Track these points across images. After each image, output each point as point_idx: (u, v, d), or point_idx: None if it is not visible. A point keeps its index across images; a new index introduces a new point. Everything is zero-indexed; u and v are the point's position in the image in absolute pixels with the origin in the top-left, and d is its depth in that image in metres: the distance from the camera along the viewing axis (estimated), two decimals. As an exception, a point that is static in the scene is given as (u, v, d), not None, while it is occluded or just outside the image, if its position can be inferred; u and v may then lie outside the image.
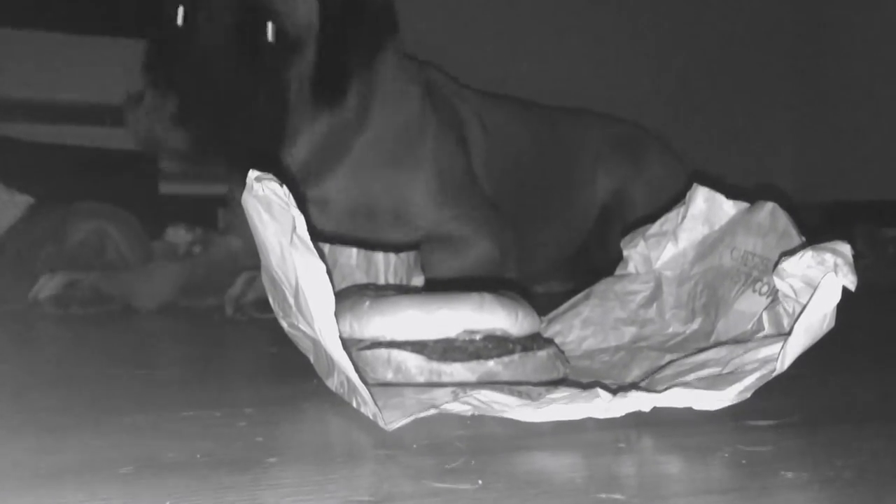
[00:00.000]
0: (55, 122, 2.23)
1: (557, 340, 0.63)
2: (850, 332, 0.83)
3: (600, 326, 0.64)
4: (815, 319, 0.42)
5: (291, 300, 0.46)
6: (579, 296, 0.66)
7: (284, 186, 0.43)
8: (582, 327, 0.64)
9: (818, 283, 0.42)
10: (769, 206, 0.56)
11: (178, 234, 1.31)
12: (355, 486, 0.33)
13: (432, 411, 0.42)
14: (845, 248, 0.43)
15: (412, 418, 0.41)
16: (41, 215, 1.27)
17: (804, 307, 0.42)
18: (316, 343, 0.48)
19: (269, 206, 0.44)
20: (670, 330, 0.60)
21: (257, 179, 0.43)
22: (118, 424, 0.44)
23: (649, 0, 1.42)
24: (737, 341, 0.51)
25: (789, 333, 0.42)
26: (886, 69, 2.81)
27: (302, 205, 0.43)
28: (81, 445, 0.39)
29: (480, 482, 0.33)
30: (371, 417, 0.42)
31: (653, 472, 0.36)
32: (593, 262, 1.33)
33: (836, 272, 0.42)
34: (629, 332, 0.62)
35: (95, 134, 2.24)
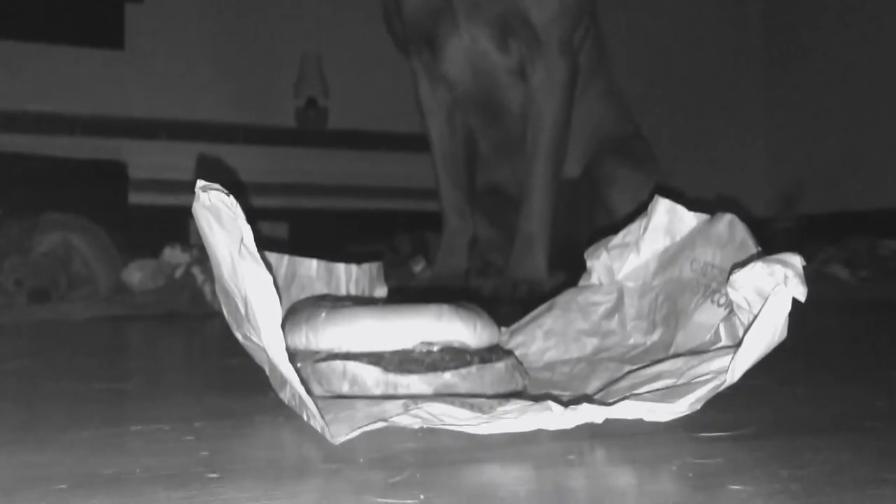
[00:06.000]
0: (23, 132, 2.21)
1: (519, 352, 0.62)
2: (828, 344, 0.84)
3: (562, 338, 0.63)
4: (764, 331, 0.41)
5: (243, 311, 0.45)
6: (542, 307, 0.65)
7: (231, 196, 0.42)
8: (544, 339, 0.64)
9: (768, 294, 0.42)
10: (727, 217, 0.56)
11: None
12: (295, 502, 0.33)
13: (381, 424, 0.41)
14: (795, 260, 0.42)
15: (359, 431, 0.40)
16: (7, 226, 1.25)
17: (754, 318, 0.42)
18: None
19: (218, 216, 0.43)
20: (631, 341, 0.60)
21: (203, 189, 0.42)
22: (61, 440, 0.43)
23: (621, 16, 1.43)
24: (694, 352, 0.50)
25: (739, 345, 0.42)
26: (879, 70, 2.83)
27: (249, 215, 0.42)
28: (19, 462, 0.38)
29: (422, 497, 0.33)
30: (319, 430, 0.41)
31: (599, 484, 0.36)
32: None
33: (785, 283, 0.41)
34: (591, 343, 0.62)
35: (63, 144, 2.22)
